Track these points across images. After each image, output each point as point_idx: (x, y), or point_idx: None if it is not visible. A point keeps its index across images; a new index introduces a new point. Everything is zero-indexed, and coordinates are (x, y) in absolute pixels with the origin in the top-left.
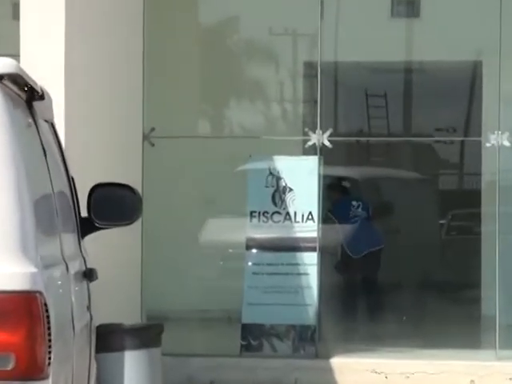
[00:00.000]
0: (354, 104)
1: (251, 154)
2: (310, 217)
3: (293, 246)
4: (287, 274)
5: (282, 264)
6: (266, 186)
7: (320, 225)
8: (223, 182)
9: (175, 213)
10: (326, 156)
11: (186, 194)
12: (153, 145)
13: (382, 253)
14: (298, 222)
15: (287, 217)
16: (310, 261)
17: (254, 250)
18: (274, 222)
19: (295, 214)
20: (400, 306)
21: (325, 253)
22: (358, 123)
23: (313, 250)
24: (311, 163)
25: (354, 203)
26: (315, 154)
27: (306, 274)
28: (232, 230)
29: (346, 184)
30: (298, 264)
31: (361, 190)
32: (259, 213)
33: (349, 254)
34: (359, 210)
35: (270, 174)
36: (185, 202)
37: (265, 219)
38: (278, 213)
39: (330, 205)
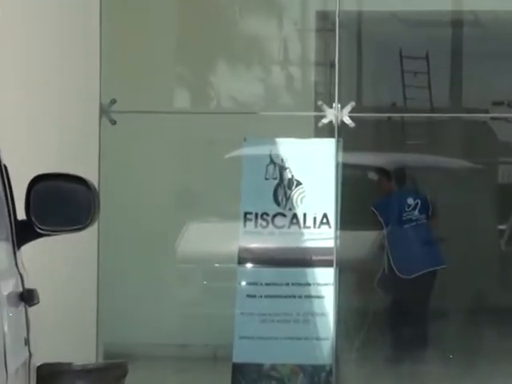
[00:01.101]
0: (385, 68)
1: (246, 136)
2: (324, 220)
3: (301, 260)
4: (293, 297)
5: (287, 284)
6: (266, 179)
7: (338, 231)
8: (208, 174)
9: (143, 214)
10: (347, 138)
11: (157, 189)
12: (114, 122)
13: (437, 276)
14: (309, 227)
15: (294, 220)
16: (324, 280)
17: (250, 265)
18: (277, 227)
19: (305, 216)
20: (446, 338)
21: (344, 269)
22: (389, 94)
23: (328, 264)
24: (326, 148)
25: (411, 201)
26: (332, 135)
27: (319, 297)
28: (219, 239)
29: (400, 171)
30: (308, 284)
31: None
32: (256, 215)
33: (395, 272)
34: (416, 211)
35: (272, 162)
36: (156, 199)
37: (264, 223)
38: (282, 215)
39: (374, 200)
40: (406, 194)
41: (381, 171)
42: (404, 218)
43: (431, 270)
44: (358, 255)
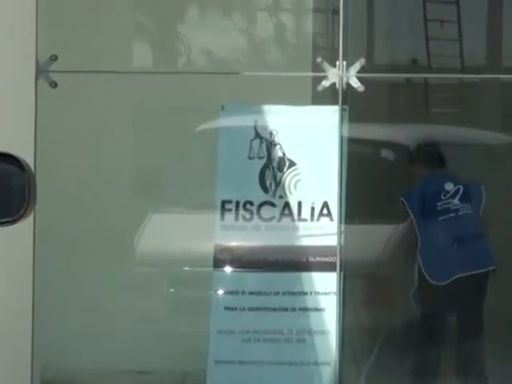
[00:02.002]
0: (403, 16)
1: (224, 103)
2: (324, 211)
3: (295, 263)
4: (285, 309)
5: (277, 293)
6: (250, 158)
7: (343, 225)
8: (175, 151)
9: (92, 203)
10: (354, 106)
11: (110, 170)
12: (54, 85)
13: (488, 279)
14: (305, 219)
15: (286, 211)
16: (325, 288)
17: (229, 269)
18: (264, 219)
19: (300, 206)
20: (487, 360)
21: (351, 274)
22: (408, 50)
23: (330, 268)
24: (328, 118)
25: (450, 187)
26: (335, 102)
27: (319, 309)
28: (190, 234)
29: (435, 149)
30: (303, 293)
31: None
32: (237, 204)
33: (425, 278)
34: (456, 199)
35: (257, 136)
36: (109, 184)
37: (247, 215)
38: (271, 204)
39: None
40: (443, 177)
41: (416, 150)
42: (439, 208)
43: (475, 273)
44: (368, 256)
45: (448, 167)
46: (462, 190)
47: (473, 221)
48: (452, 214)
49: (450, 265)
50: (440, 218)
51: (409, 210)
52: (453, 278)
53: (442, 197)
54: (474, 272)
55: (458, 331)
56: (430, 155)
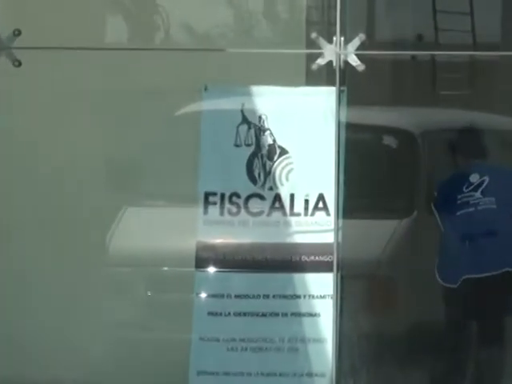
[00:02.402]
0: None
1: (207, 85)
2: (320, 204)
3: (287, 263)
4: (276, 314)
5: (266, 296)
6: (237, 146)
7: (340, 220)
8: (152, 137)
9: (59, 194)
10: (353, 87)
11: (79, 158)
12: (18, 64)
13: (506, 282)
14: (298, 214)
15: (276, 205)
16: (320, 290)
17: (212, 270)
18: (252, 214)
19: (292, 198)
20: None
21: (350, 275)
22: (413, 24)
23: (326, 268)
24: (323, 101)
25: (475, 178)
26: (331, 82)
27: (313, 314)
28: (169, 230)
29: (471, 136)
30: (296, 296)
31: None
32: (222, 196)
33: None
34: (478, 193)
35: (245, 121)
36: (78, 173)
37: (233, 209)
38: (260, 197)
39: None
40: (472, 168)
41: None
42: (459, 202)
43: (487, 275)
44: (369, 254)
45: (483, 157)
46: (486, 182)
47: (495, 217)
48: (471, 209)
49: (459, 265)
50: (458, 213)
51: (432, 204)
52: (461, 280)
53: (465, 189)
54: (486, 274)
55: (471, 338)
56: (464, 144)
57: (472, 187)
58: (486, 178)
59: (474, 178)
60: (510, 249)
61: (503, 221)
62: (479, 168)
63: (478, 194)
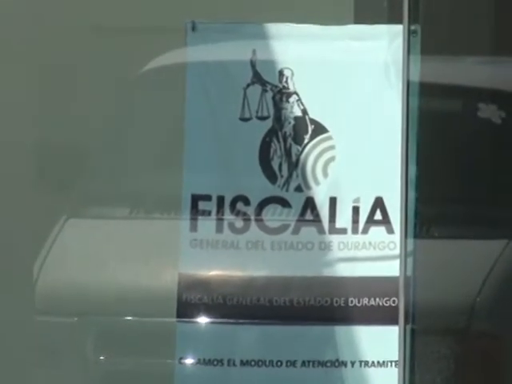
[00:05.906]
0: None
1: (195, 21)
2: (378, 215)
3: (325, 309)
4: None
5: (292, 364)
6: (244, 119)
7: (411, 240)
8: (104, 107)
9: None
10: (430, 26)
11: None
12: None
13: None
14: (343, 230)
15: (307, 215)
16: (378, 353)
17: (203, 320)
18: (269, 230)
19: (333, 205)
20: None
21: (426, 328)
22: None
23: (388, 319)
24: (383, 47)
25: None
26: (396, 19)
27: None
28: (134, 255)
29: None
30: (339, 363)
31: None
32: (220, 201)
33: None
34: None
35: (257, 80)
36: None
37: (239, 222)
38: (281, 202)
39: None
40: None
41: None
42: None
43: None
44: (457, 295)
45: None
46: None
47: None
48: None
49: None
50: None
51: None
52: None
53: None
54: None
55: None
56: None
57: None
58: None
59: None
60: None
61: None
62: None
63: None
